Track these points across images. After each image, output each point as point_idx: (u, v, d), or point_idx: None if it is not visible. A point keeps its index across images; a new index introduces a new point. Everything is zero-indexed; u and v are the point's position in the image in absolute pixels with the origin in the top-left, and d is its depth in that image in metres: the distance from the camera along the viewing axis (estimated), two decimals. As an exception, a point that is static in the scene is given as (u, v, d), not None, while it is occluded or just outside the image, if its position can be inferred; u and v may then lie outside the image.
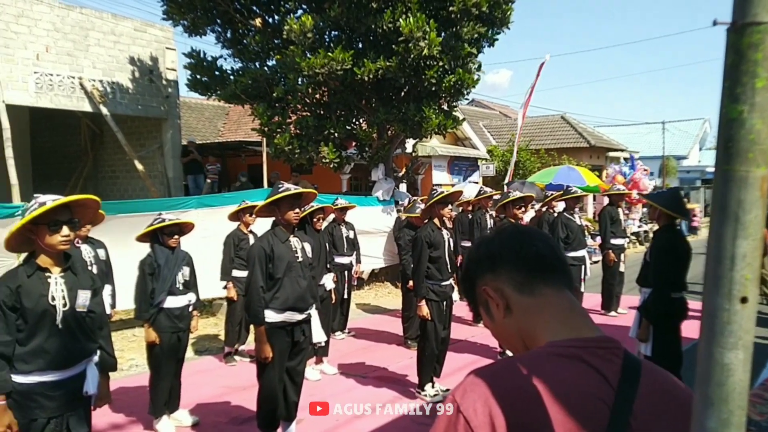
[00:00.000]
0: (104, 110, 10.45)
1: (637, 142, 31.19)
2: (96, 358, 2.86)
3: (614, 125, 35.83)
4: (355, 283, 7.94)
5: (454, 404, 0.90)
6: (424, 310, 4.88)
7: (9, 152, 8.85)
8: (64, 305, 2.68)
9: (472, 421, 0.86)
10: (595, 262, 10.06)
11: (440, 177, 14.49)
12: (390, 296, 9.79)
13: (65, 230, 2.65)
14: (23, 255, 3.85)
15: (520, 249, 1.05)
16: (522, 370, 0.91)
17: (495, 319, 1.05)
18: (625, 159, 18.97)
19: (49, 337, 2.63)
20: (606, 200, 8.78)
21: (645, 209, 15.40)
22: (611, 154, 22.14)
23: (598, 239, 10.32)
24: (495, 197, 8.30)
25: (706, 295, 0.66)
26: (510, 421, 0.84)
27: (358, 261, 7.39)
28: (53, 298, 2.65)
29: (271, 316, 3.77)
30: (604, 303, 8.27)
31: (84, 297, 2.77)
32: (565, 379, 0.89)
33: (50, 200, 2.66)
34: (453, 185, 13.57)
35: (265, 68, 9.70)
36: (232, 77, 9.66)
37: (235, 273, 5.98)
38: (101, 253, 5.00)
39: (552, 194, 8.35)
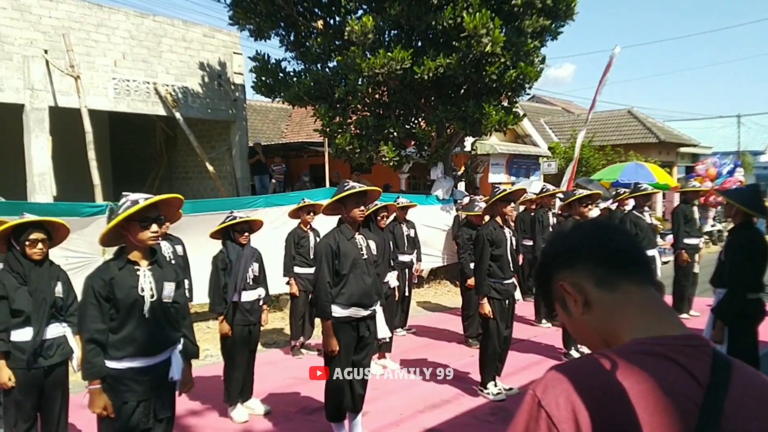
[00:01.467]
0: (177, 114, 10.97)
1: (710, 136, 29.51)
2: (180, 346, 3.05)
3: (685, 119, 34.14)
4: (416, 281, 8.00)
5: (535, 399, 0.89)
6: (486, 308, 4.88)
7: (92, 154, 9.43)
8: (152, 296, 2.87)
9: (554, 416, 0.85)
10: (665, 263, 9.67)
11: (498, 175, 14.31)
12: (450, 295, 9.78)
13: (154, 227, 2.85)
14: (108, 251, 4.24)
15: (599, 244, 1.03)
16: (606, 366, 0.89)
17: (573, 316, 1.03)
18: (731, 153, 17.73)
19: (138, 326, 2.83)
20: (677, 198, 8.40)
21: (719, 207, 14.61)
22: (682, 149, 21.10)
23: (669, 238, 9.90)
24: (559, 195, 8.15)
25: None
26: (594, 418, 0.83)
27: (419, 259, 7.45)
28: (142, 290, 2.84)
29: (337, 311, 3.88)
30: (674, 304, 7.94)
31: (169, 289, 2.96)
32: (652, 377, 0.86)
33: (142, 199, 2.85)
34: (512, 184, 13.37)
35: (327, 69, 9.90)
36: (294, 79, 9.92)
37: (297, 269, 6.20)
38: (179, 249, 5.30)
39: (622, 191, 8.08)
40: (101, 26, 10.28)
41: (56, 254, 5.48)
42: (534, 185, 10.78)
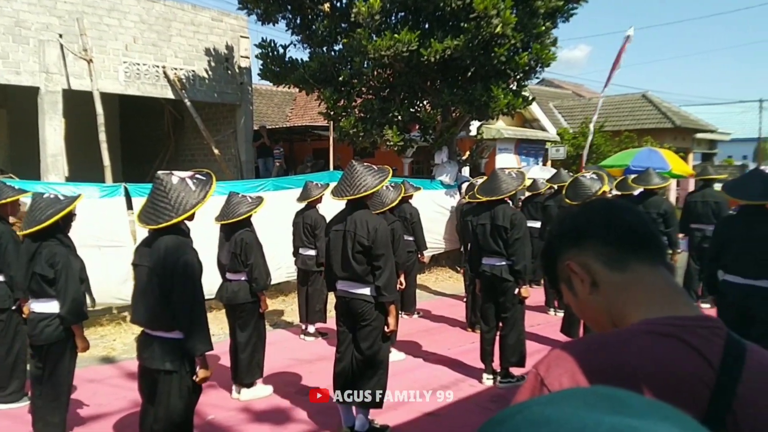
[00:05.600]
0: (185, 97, 11.05)
1: (730, 122, 28.88)
2: None
3: (703, 104, 33.40)
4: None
5: (538, 378, 0.87)
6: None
7: (102, 137, 9.58)
8: None
9: None
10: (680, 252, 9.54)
11: (507, 160, 14.14)
12: (451, 281, 9.77)
13: None
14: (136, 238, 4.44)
15: (609, 222, 1.00)
16: (614, 346, 0.87)
17: (579, 296, 1.01)
18: (751, 140, 17.24)
19: None
20: (691, 185, 8.31)
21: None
22: (699, 135, 20.69)
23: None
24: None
25: None
26: None
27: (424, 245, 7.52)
28: None
29: None
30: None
31: None
32: (662, 358, 0.83)
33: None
34: (519, 169, 13.28)
35: (332, 53, 9.88)
36: (300, 64, 9.92)
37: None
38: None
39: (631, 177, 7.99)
40: (113, 11, 10.37)
41: (90, 244, 5.67)
42: (534, 171, 10.71)
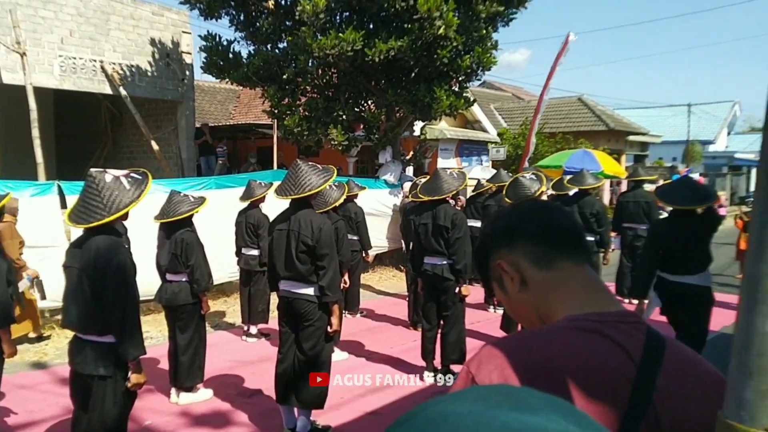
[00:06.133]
0: (123, 93, 10.70)
1: (660, 125, 30.38)
2: None
3: (635, 108, 34.82)
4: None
5: (469, 375, 0.89)
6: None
7: (35, 132, 9.17)
8: None
9: None
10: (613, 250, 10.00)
11: (448, 161, 14.35)
12: (394, 279, 9.86)
13: None
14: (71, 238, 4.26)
15: (538, 222, 1.03)
16: (540, 342, 0.90)
17: (509, 294, 1.04)
18: (681, 142, 17.96)
19: None
20: (625, 186, 8.67)
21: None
22: (631, 138, 21.69)
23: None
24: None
25: (748, 263, 0.65)
26: None
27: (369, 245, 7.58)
28: None
29: None
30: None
31: None
32: (586, 353, 0.87)
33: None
34: (461, 169, 13.56)
35: (277, 50, 9.80)
36: (245, 60, 9.79)
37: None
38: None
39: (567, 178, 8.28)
40: (49, 2, 9.94)
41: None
42: (477, 171, 10.97)
